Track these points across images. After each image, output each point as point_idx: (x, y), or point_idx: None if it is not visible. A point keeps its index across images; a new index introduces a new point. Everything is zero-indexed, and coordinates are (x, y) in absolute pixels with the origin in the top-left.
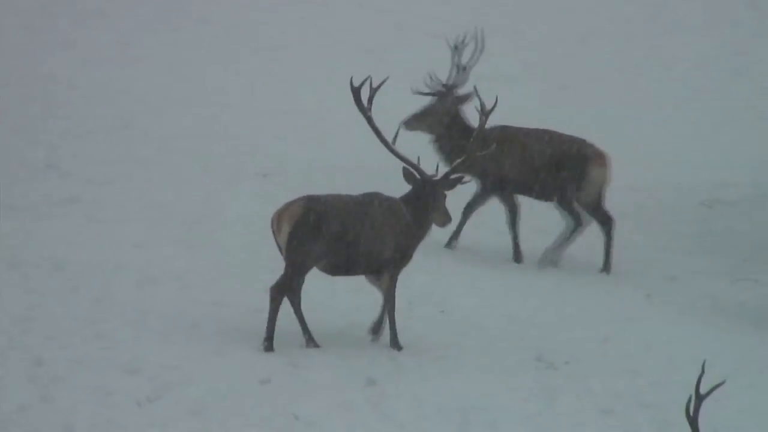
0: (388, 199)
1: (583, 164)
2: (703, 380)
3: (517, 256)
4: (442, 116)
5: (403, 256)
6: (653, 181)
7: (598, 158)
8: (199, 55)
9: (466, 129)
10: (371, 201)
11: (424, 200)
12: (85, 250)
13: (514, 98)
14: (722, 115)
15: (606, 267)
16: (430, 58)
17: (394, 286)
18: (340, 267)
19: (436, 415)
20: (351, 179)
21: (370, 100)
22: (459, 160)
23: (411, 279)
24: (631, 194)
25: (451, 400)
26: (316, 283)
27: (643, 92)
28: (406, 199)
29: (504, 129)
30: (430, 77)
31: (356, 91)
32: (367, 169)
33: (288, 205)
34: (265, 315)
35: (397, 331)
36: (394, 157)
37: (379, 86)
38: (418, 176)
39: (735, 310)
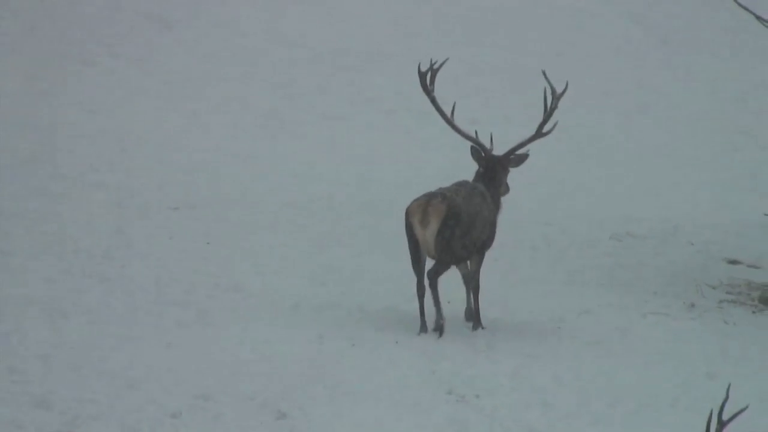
0: (476, 185)
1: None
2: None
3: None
4: None
5: (491, 237)
6: (564, 215)
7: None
8: (109, 88)
9: None
10: (473, 190)
11: (494, 179)
12: None
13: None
14: (630, 150)
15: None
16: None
17: (480, 268)
18: (462, 257)
19: None
20: (267, 212)
21: (432, 80)
22: (525, 140)
23: (322, 313)
24: (543, 228)
25: None
26: (227, 317)
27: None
28: (483, 182)
29: None
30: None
31: (423, 76)
32: (278, 203)
33: (428, 202)
34: (179, 349)
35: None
36: (308, 188)
37: (440, 66)
38: (483, 154)
39: (645, 344)
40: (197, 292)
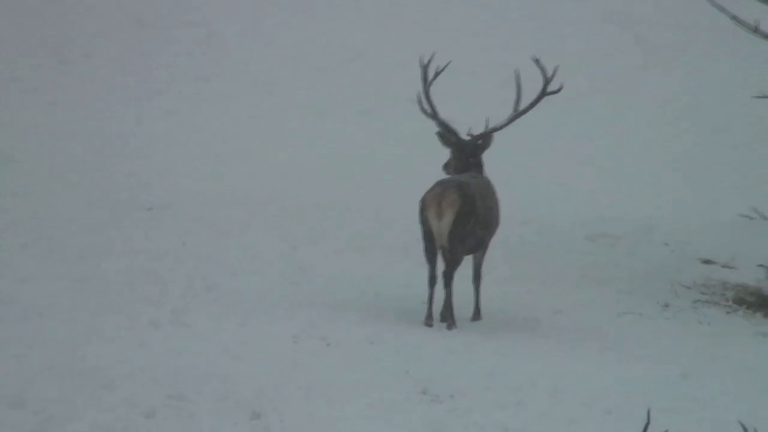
0: (481, 175)
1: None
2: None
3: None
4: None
5: (497, 225)
6: (539, 214)
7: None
8: (84, 88)
9: None
10: (485, 181)
11: (480, 164)
12: None
13: None
14: (605, 151)
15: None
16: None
17: (483, 260)
18: (474, 246)
19: None
20: (241, 212)
21: (431, 81)
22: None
23: (296, 313)
24: (519, 227)
25: None
26: (202, 317)
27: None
28: (480, 171)
29: None
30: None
31: (425, 68)
32: (253, 202)
33: (443, 193)
34: (153, 348)
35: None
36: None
37: (443, 69)
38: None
39: (619, 344)
40: (172, 291)
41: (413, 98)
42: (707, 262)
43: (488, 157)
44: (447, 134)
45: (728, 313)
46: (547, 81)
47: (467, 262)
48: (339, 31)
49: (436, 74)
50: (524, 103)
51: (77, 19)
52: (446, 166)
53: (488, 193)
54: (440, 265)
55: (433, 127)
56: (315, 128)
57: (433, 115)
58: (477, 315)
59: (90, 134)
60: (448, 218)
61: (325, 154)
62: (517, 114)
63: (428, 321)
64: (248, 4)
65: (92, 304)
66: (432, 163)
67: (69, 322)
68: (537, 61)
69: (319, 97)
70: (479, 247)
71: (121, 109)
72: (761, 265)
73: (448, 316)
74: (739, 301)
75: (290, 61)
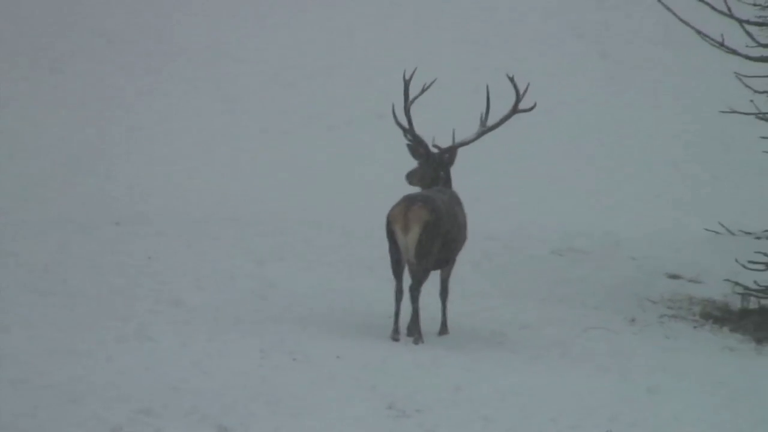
0: (449, 190)
1: None
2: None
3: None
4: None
5: (464, 240)
6: (506, 230)
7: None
8: (53, 104)
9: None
10: (450, 194)
11: (449, 178)
12: None
13: None
14: (572, 165)
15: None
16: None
17: (450, 274)
18: (441, 261)
19: None
20: (208, 227)
21: (416, 97)
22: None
23: (263, 327)
24: (485, 243)
25: None
26: (168, 332)
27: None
28: (448, 185)
29: None
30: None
31: (407, 83)
32: (219, 217)
33: (410, 207)
34: (120, 363)
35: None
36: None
37: (429, 86)
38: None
39: (586, 358)
40: (138, 306)
41: (383, 114)
42: (674, 276)
43: (454, 172)
44: (417, 147)
45: (695, 327)
46: (518, 98)
47: (434, 276)
48: (307, 46)
49: (422, 90)
50: (492, 119)
51: (46, 35)
52: (410, 176)
53: (456, 207)
54: (407, 280)
55: (402, 141)
56: (282, 144)
57: (410, 130)
58: (444, 329)
59: (57, 149)
60: (415, 233)
61: (292, 169)
62: (486, 129)
63: (395, 335)
64: (215, 20)
65: (58, 318)
66: (400, 178)
67: (35, 337)
68: (511, 79)
69: (286, 113)
70: (446, 262)
71: (89, 125)
72: (728, 280)
73: (415, 331)
74: (706, 316)
75: (257, 77)
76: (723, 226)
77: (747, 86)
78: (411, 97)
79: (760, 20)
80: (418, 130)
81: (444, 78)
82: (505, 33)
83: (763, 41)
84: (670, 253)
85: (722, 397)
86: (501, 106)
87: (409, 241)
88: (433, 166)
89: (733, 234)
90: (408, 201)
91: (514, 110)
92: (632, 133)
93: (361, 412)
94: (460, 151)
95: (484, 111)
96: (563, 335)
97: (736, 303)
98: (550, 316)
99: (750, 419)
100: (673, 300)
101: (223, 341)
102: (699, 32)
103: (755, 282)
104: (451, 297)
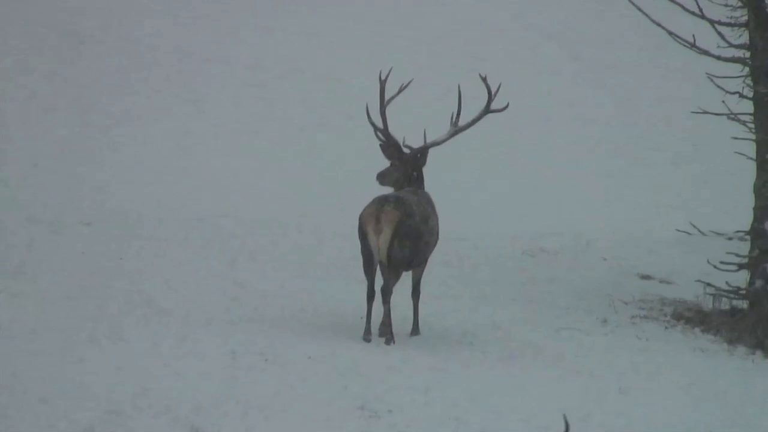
0: (422, 191)
1: None
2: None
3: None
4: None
5: (436, 240)
6: (477, 230)
7: None
8: (21, 103)
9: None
10: (422, 196)
11: (421, 178)
12: None
13: None
14: (543, 166)
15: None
16: None
17: (422, 275)
18: (413, 262)
19: None
20: (178, 228)
21: (393, 98)
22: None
23: (234, 328)
24: (456, 243)
25: None
26: (140, 332)
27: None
28: (421, 186)
29: None
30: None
31: (383, 83)
32: (190, 218)
33: (381, 208)
34: (91, 364)
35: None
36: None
37: (406, 86)
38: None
39: (557, 359)
40: (109, 307)
41: (353, 115)
42: (645, 277)
43: (425, 172)
44: (390, 147)
45: (666, 328)
46: (490, 98)
47: (406, 277)
48: (272, 47)
49: (399, 91)
50: (465, 120)
51: (13, 33)
52: (381, 176)
53: (428, 208)
54: (379, 281)
55: (374, 142)
56: (250, 145)
57: (383, 130)
58: (416, 330)
59: (26, 149)
60: (387, 234)
61: (261, 170)
62: (457, 129)
63: (367, 336)
64: (182, 22)
65: (29, 319)
66: (370, 179)
67: (6, 338)
68: (484, 79)
69: (254, 114)
70: (418, 263)
71: (57, 125)
72: (699, 281)
73: (386, 332)
74: (678, 317)
75: (224, 78)
76: (694, 226)
77: (719, 87)
78: (387, 97)
79: (731, 21)
80: (390, 130)
81: (416, 79)
82: (475, 33)
83: (735, 42)
84: (641, 254)
85: (694, 397)
86: (473, 107)
87: (381, 242)
88: (405, 166)
89: (704, 235)
90: (380, 202)
91: (486, 110)
92: (603, 135)
93: (332, 413)
94: (431, 151)
95: (456, 111)
96: (534, 336)
97: (707, 304)
98: (521, 316)
99: (721, 420)
100: (645, 301)
101: (195, 342)
102: (671, 33)
103: (727, 283)
104: (422, 298)
